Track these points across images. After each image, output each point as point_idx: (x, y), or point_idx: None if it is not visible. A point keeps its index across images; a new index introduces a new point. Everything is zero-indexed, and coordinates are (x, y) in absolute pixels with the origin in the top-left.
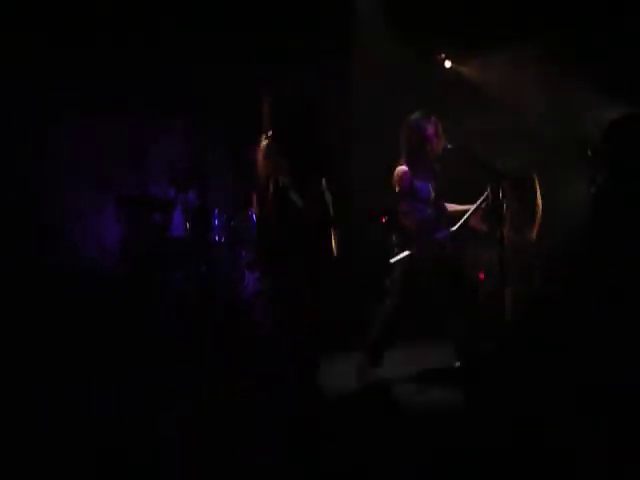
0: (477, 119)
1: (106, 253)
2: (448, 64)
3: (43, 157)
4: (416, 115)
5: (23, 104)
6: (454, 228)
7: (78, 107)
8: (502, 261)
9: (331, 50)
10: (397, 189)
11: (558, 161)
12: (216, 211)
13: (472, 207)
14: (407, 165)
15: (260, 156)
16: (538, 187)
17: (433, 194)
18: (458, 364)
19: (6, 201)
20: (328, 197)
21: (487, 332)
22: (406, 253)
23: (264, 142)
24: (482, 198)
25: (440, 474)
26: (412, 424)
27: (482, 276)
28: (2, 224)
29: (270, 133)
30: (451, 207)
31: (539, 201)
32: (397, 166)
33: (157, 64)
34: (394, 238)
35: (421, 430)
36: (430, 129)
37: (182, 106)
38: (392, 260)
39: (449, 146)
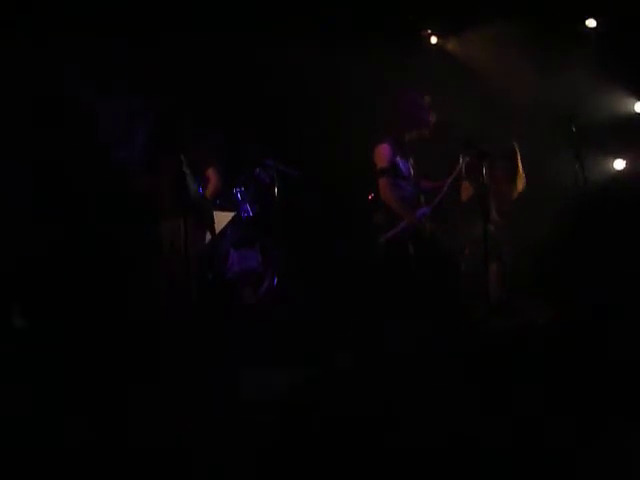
0: (461, 95)
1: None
2: (434, 40)
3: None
4: (407, 93)
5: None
6: (434, 205)
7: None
8: (485, 236)
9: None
10: (379, 165)
11: (542, 137)
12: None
13: (447, 182)
14: (390, 142)
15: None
16: (519, 155)
17: (412, 171)
18: None
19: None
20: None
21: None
22: (395, 230)
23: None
24: (454, 173)
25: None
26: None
27: (467, 251)
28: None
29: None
30: (427, 184)
31: (520, 170)
32: (378, 143)
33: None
34: (377, 216)
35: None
36: (416, 105)
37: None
38: (385, 236)
39: (430, 124)
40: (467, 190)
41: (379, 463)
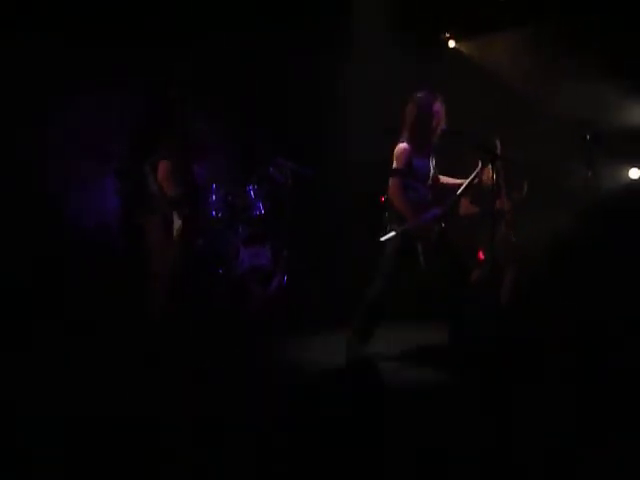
0: (477, 101)
1: (104, 226)
2: (452, 44)
3: (42, 132)
4: (422, 93)
5: (24, 79)
6: (445, 208)
7: (78, 82)
8: (493, 241)
9: (330, 35)
10: (395, 166)
11: (557, 145)
12: (214, 186)
13: (465, 182)
14: (408, 142)
15: None
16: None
17: (432, 171)
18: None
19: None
20: None
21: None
22: (393, 233)
23: None
24: (474, 173)
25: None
26: (396, 399)
27: (481, 256)
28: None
29: None
30: (446, 180)
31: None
32: (397, 144)
33: (161, 48)
34: (386, 217)
35: (405, 406)
36: (436, 106)
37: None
38: (382, 239)
39: (444, 127)
40: (466, 205)
41: None
